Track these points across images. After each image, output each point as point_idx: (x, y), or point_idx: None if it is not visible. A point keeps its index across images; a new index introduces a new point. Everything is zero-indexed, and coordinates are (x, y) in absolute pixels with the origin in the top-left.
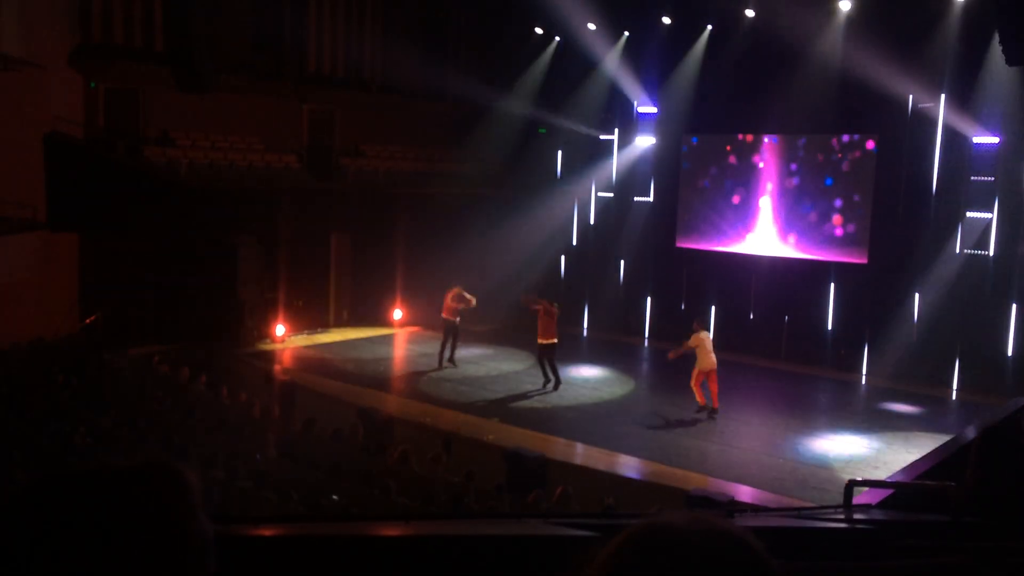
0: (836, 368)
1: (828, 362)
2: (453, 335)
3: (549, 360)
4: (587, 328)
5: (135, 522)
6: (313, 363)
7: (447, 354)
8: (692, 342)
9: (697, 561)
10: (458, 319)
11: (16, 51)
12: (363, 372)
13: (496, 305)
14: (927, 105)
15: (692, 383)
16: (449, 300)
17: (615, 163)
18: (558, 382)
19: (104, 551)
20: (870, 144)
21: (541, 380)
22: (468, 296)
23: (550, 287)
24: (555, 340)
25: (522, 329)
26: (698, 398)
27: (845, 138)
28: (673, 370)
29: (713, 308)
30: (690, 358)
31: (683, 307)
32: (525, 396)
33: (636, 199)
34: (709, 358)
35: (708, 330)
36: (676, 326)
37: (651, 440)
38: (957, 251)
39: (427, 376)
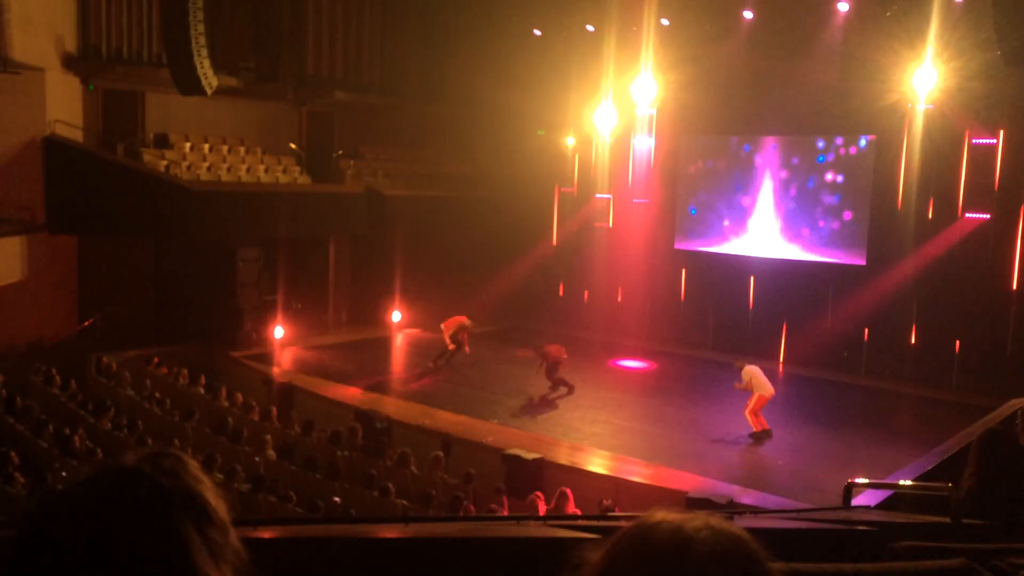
0: (835, 369)
1: (827, 363)
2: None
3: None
4: (586, 331)
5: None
6: (312, 365)
7: (443, 360)
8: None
9: (691, 560)
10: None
11: (15, 54)
12: (362, 374)
13: (495, 307)
14: (927, 107)
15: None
16: (454, 328)
17: (614, 164)
18: (570, 388)
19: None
20: (868, 143)
21: (546, 385)
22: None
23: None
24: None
25: (522, 330)
26: (753, 426)
27: (839, 140)
28: (673, 372)
29: (711, 310)
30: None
31: (681, 309)
32: (524, 398)
33: (635, 200)
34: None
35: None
36: (674, 328)
37: (650, 442)
38: (956, 251)
39: (426, 378)
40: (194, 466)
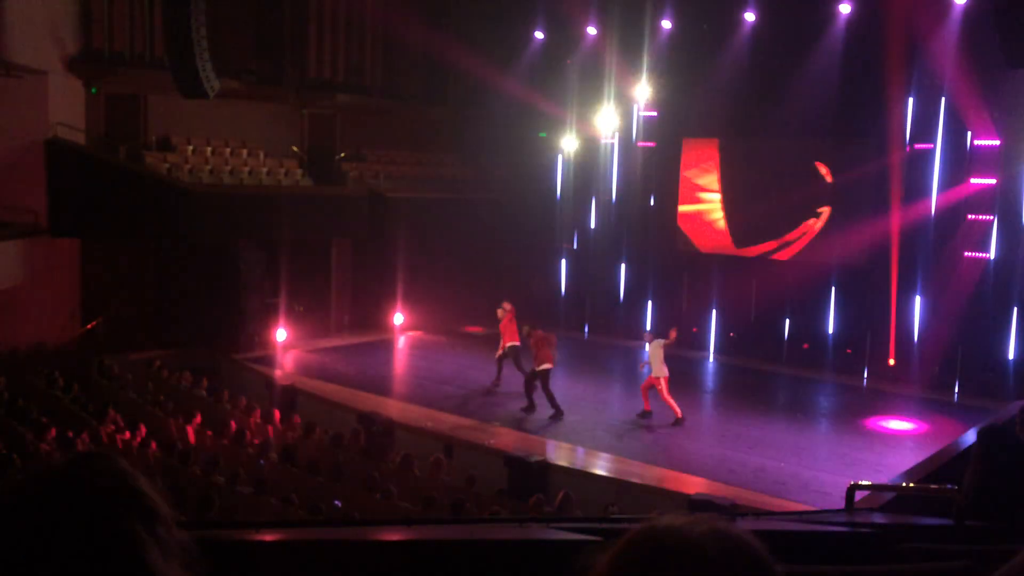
0: (837, 371)
1: (830, 365)
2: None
3: (544, 386)
4: (587, 332)
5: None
6: (314, 368)
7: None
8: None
9: (699, 563)
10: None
11: (18, 57)
12: (364, 377)
13: (495, 308)
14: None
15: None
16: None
17: (615, 166)
18: (558, 411)
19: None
20: (869, 145)
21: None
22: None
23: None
24: (551, 365)
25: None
26: (645, 404)
27: (843, 140)
28: (676, 373)
29: (714, 311)
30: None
31: (684, 310)
32: (525, 400)
33: (636, 202)
34: (662, 367)
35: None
36: (676, 329)
37: (653, 444)
38: (957, 254)
39: (429, 381)
40: (125, 463)
